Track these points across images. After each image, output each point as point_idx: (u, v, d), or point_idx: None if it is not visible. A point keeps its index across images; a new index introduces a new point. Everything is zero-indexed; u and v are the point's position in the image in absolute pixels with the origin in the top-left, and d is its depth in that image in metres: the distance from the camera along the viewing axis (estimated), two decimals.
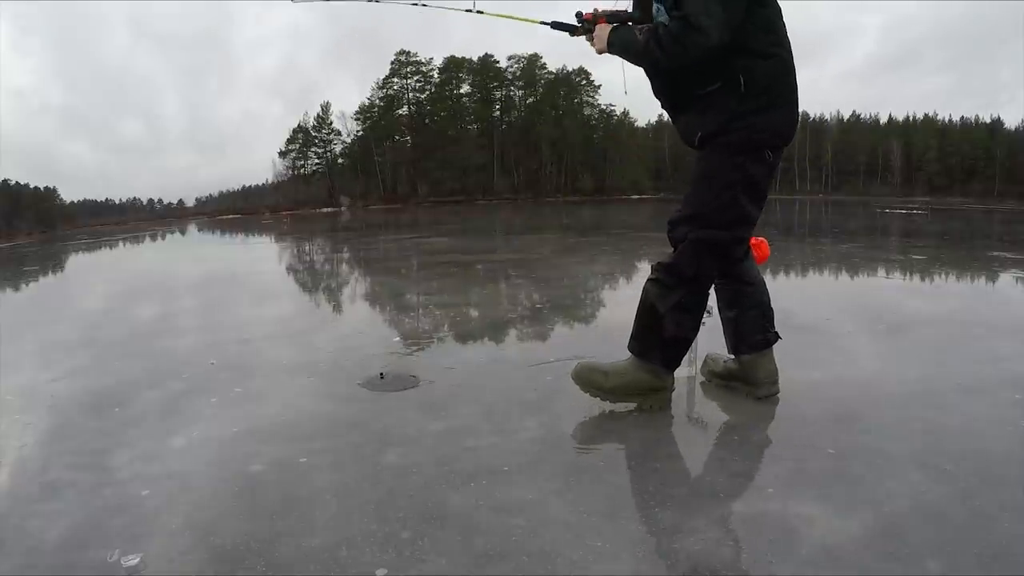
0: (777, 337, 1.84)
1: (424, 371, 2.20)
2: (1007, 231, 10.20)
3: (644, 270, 5.29)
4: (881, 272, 4.83)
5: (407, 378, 2.13)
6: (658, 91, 1.77)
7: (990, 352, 2.34)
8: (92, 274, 8.13)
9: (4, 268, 8.61)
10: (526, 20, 2.00)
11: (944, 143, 52.37)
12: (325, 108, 55.96)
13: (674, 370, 1.77)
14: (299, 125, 55.82)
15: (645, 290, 1.74)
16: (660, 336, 1.70)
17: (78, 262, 9.59)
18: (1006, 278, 4.46)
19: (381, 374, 2.13)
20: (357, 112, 55.61)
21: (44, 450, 1.66)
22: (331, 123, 55.93)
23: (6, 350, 2.86)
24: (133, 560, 1.12)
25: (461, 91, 56.50)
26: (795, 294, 3.87)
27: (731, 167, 1.64)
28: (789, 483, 1.34)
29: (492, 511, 1.26)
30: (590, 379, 1.75)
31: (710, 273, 1.72)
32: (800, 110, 1.74)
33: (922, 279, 4.58)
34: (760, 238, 2.07)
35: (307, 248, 9.77)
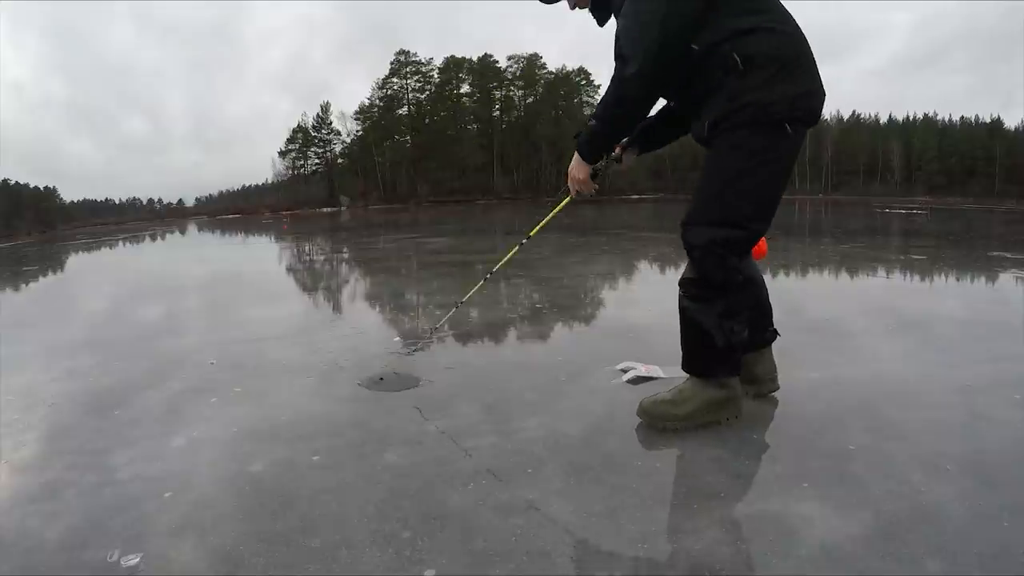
0: (775, 335, 1.82)
1: (424, 371, 2.20)
2: (1008, 231, 10.20)
3: (644, 270, 5.30)
4: (881, 272, 4.82)
5: (407, 378, 2.13)
6: (682, 109, 1.68)
7: (990, 352, 2.34)
8: (92, 274, 8.14)
9: (4, 268, 8.61)
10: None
11: (944, 143, 52.40)
12: (325, 108, 55.97)
13: (739, 372, 1.67)
14: (299, 125, 55.89)
15: (682, 310, 1.65)
16: (715, 350, 1.60)
17: (78, 262, 9.59)
18: (1006, 278, 4.46)
19: (381, 377, 2.12)
20: (357, 112, 55.61)
21: (44, 450, 1.66)
22: (331, 123, 55.95)
23: (6, 350, 2.86)
24: (133, 560, 1.12)
25: (461, 91, 56.49)
26: (795, 294, 3.87)
27: (746, 153, 1.50)
28: (789, 483, 1.34)
29: (492, 511, 1.26)
30: (660, 413, 1.65)
31: (736, 269, 1.59)
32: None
33: (922, 279, 4.58)
34: None
35: (307, 248, 9.77)
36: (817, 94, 1.53)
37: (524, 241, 2.11)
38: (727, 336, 1.59)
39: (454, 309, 2.57)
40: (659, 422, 1.65)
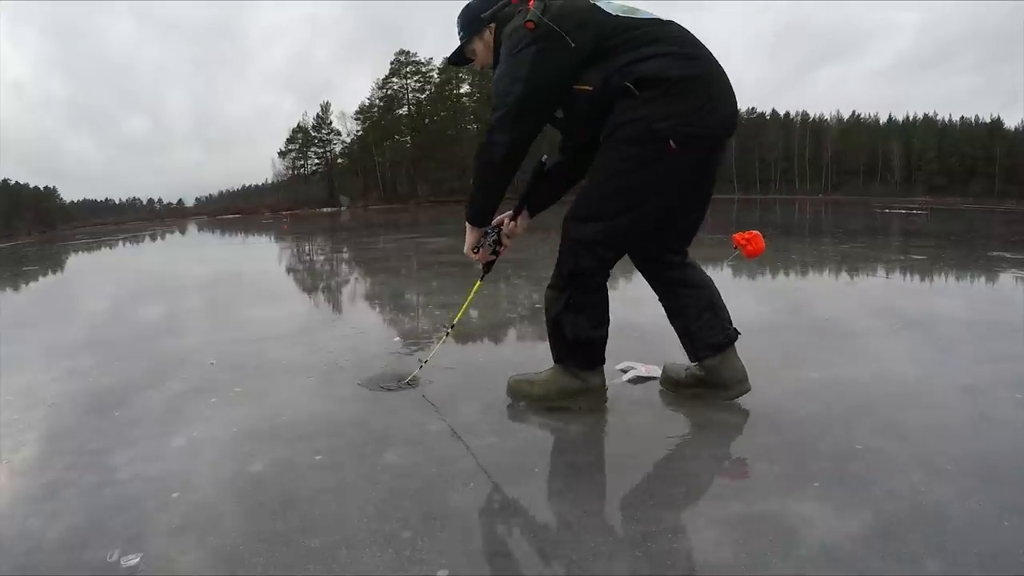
0: (737, 333, 1.77)
1: (424, 371, 2.19)
2: (1008, 231, 10.20)
3: None
4: (881, 272, 4.83)
5: (410, 378, 2.13)
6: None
7: (990, 352, 2.34)
8: (92, 274, 8.14)
9: (4, 268, 8.61)
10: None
11: (944, 143, 52.44)
12: (325, 108, 55.98)
13: (596, 368, 1.74)
14: (299, 125, 55.93)
15: (544, 297, 1.75)
16: (565, 339, 1.71)
17: (78, 262, 9.59)
18: (1006, 278, 4.46)
19: (408, 381, 2.09)
20: (357, 112, 55.60)
21: (44, 450, 1.66)
22: (331, 123, 55.96)
23: (6, 350, 2.86)
24: (133, 560, 1.12)
25: (461, 91, 56.48)
26: (796, 294, 3.86)
27: (619, 158, 1.56)
28: (789, 483, 1.34)
29: (492, 511, 1.26)
30: (518, 389, 1.84)
31: (591, 269, 1.64)
32: (739, 106, 1.63)
33: (923, 279, 4.58)
34: (754, 232, 2.06)
35: (307, 248, 9.77)
36: (712, 109, 1.54)
37: (449, 331, 2.13)
38: (572, 328, 1.68)
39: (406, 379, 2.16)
40: (517, 397, 1.84)
